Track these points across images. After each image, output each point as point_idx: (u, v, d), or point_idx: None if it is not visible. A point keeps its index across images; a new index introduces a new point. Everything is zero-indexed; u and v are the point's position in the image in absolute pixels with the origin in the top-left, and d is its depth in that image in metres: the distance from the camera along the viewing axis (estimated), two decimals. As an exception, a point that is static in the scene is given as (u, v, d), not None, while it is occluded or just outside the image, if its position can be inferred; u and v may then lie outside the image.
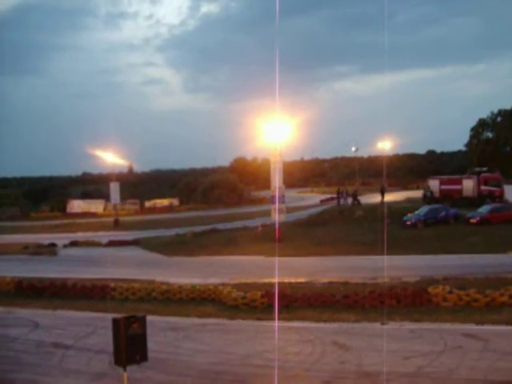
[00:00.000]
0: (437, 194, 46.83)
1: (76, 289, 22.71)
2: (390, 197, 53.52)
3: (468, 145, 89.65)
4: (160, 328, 16.35)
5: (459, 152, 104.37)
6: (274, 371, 11.66)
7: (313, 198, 74.97)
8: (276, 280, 20.23)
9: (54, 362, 14.09)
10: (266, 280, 22.63)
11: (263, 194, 77.43)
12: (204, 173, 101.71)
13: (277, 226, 33.49)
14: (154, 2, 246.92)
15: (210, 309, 19.40)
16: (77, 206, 76.83)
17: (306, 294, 19.30)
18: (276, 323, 15.09)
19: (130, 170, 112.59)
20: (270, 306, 18.56)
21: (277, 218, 35.74)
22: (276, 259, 25.26)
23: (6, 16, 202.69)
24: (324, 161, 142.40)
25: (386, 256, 19.08)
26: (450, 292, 18.12)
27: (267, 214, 42.14)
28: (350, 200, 51.18)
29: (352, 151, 77.31)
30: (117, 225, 55.57)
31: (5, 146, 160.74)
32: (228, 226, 46.27)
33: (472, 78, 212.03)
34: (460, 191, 45.98)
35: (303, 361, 13.26)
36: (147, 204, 78.68)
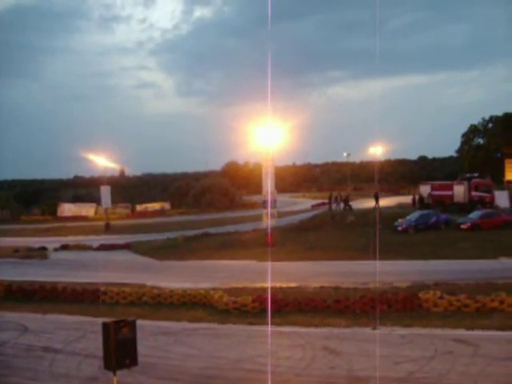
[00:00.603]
0: (428, 200, 47.01)
1: (66, 293, 22.63)
2: (381, 202, 53.51)
3: (459, 151, 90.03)
4: (151, 332, 16.31)
5: (451, 158, 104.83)
6: (265, 376, 11.65)
7: (304, 203, 75.09)
8: (269, 284, 20.22)
9: (44, 367, 14.02)
10: (258, 285, 22.63)
11: (255, 198, 77.48)
12: (196, 177, 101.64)
13: (269, 230, 33.53)
14: (147, 5, 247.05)
15: (201, 313, 19.37)
16: (68, 209, 76.56)
17: (297, 299, 19.29)
18: (269, 328, 15.09)
19: (122, 174, 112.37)
20: (261, 311, 18.59)
21: (269, 222, 35.75)
22: (269, 264, 25.27)
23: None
24: (316, 166, 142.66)
25: (377, 261, 19.14)
26: (441, 297, 18.18)
27: (259, 218, 42.17)
28: (341, 205, 51.21)
29: (344, 156, 77.64)
30: (108, 229, 55.45)
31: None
32: (219, 230, 46.17)
33: (465, 84, 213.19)
34: (451, 197, 46.16)
35: (294, 366, 13.25)
36: (138, 208, 78.57)
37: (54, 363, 14.26)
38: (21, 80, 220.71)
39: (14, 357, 15.14)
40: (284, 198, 74.55)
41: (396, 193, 77.25)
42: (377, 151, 64.58)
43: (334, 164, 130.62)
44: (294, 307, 18.85)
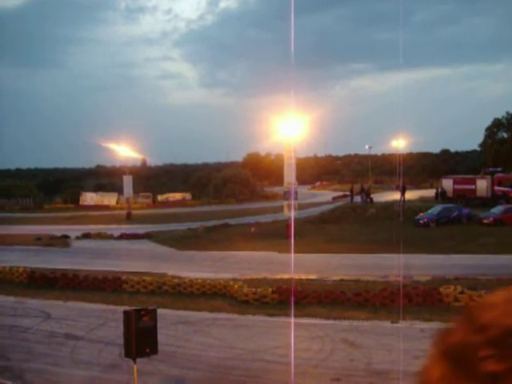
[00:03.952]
0: (450, 194, 46.59)
1: (88, 280, 22.84)
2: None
3: (482, 145, 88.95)
4: (170, 321, 16.43)
5: (474, 152, 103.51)
6: (283, 367, 11.69)
7: (325, 195, 74.81)
8: (293, 276, 20.16)
9: (65, 353, 14.22)
10: (277, 276, 22.65)
11: (276, 189, 77.33)
12: (217, 167, 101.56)
13: (292, 222, 33.45)
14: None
15: (221, 303, 19.45)
16: (90, 198, 76.96)
17: (317, 291, 19.29)
18: (292, 319, 15.11)
19: (144, 164, 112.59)
20: (281, 302, 18.62)
21: (292, 214, 35.65)
22: (292, 255, 25.18)
23: (25, 8, 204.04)
24: (337, 158, 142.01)
25: (400, 254, 19.04)
26: (462, 292, 18.05)
27: (280, 209, 42.09)
28: (360, 197, 49.77)
29: (366, 149, 77.21)
30: (129, 218, 55.65)
31: (19, 137, 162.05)
32: (240, 221, 46.22)
33: (490, 78, 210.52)
34: (474, 191, 45.67)
35: (312, 357, 13.27)
36: (160, 198, 78.75)
37: (75, 350, 14.46)
38: (45, 70, 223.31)
39: (36, 343, 15.37)
40: (304, 190, 74.38)
41: (418, 186, 76.39)
42: (399, 144, 63.97)
43: (355, 156, 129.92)
44: (313, 299, 18.85)
